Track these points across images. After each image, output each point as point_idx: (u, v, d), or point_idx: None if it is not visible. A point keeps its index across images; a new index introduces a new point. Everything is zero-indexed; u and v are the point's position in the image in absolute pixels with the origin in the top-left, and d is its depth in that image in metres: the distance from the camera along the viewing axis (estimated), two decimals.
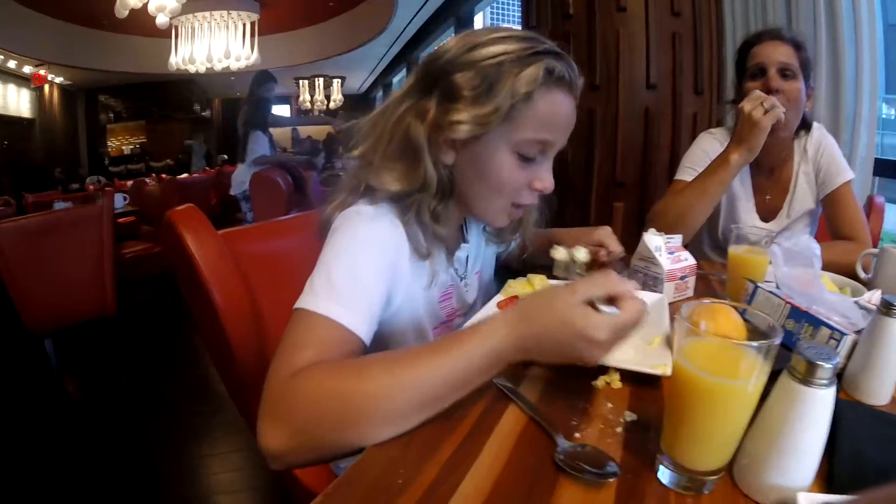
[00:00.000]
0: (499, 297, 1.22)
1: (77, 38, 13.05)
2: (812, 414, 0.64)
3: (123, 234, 5.40)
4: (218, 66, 11.26)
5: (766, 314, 0.69)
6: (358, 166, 1.12)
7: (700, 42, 3.00)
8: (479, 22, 11.63)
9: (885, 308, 0.91)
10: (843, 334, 0.98)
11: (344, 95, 18.32)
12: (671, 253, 1.39)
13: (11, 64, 14.17)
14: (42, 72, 15.11)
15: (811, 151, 1.98)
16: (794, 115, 1.85)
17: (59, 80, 16.25)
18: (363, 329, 0.92)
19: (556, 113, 1.07)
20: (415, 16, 12.02)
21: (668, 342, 1.02)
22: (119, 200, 6.06)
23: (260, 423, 0.79)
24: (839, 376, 0.98)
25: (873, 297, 1.17)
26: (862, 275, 1.52)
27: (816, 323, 1.02)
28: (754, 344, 0.63)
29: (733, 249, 1.44)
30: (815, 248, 1.21)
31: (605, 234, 1.40)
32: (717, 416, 0.67)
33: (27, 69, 14.79)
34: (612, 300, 0.81)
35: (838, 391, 0.92)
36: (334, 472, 1.33)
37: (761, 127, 1.71)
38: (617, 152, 2.93)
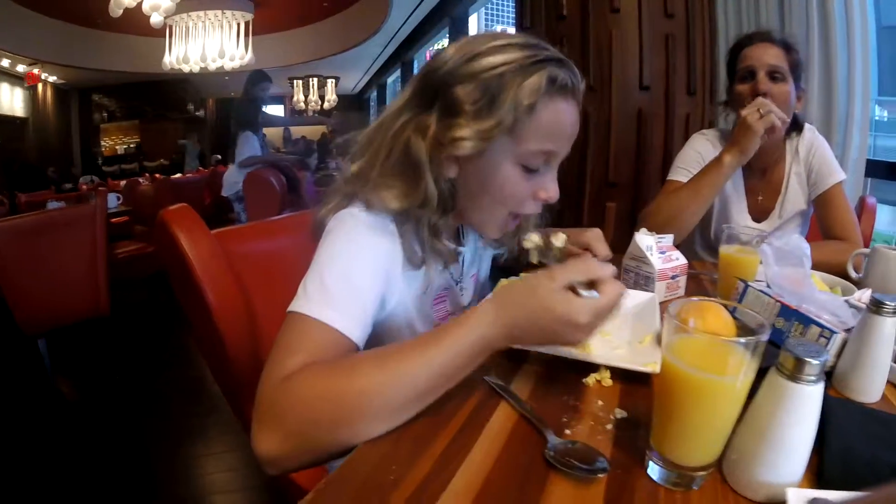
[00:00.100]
0: (490, 298, 1.22)
1: (71, 37, 13.01)
2: (800, 410, 0.64)
3: (117, 233, 5.38)
4: (212, 66, 11.26)
5: (756, 313, 0.70)
6: (354, 179, 1.09)
7: (693, 43, 3.01)
8: (473, 23, 11.63)
9: (875, 306, 0.91)
10: (833, 332, 0.98)
11: (338, 96, 18.33)
12: (662, 252, 1.40)
13: (5, 62, 14.14)
14: (36, 71, 15.06)
15: (803, 152, 1.99)
16: (785, 120, 1.86)
17: (52, 79, 16.20)
18: (356, 333, 0.92)
19: (559, 122, 1.04)
20: (409, 16, 12.03)
21: (659, 341, 1.02)
22: (112, 200, 6.03)
23: (254, 428, 0.79)
24: (829, 374, 0.99)
25: (864, 296, 1.17)
26: (853, 274, 1.53)
27: (806, 321, 1.03)
28: (742, 340, 0.64)
29: (724, 249, 1.44)
30: (805, 247, 1.22)
31: (594, 237, 1.38)
32: (706, 411, 0.67)
33: (21, 68, 14.76)
34: (591, 284, 0.83)
35: (827, 388, 0.93)
36: (328, 470, 1.33)
37: (754, 131, 1.74)
38: (610, 153, 2.94)
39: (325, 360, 0.84)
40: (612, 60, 2.91)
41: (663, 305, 0.92)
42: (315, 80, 17.29)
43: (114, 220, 5.60)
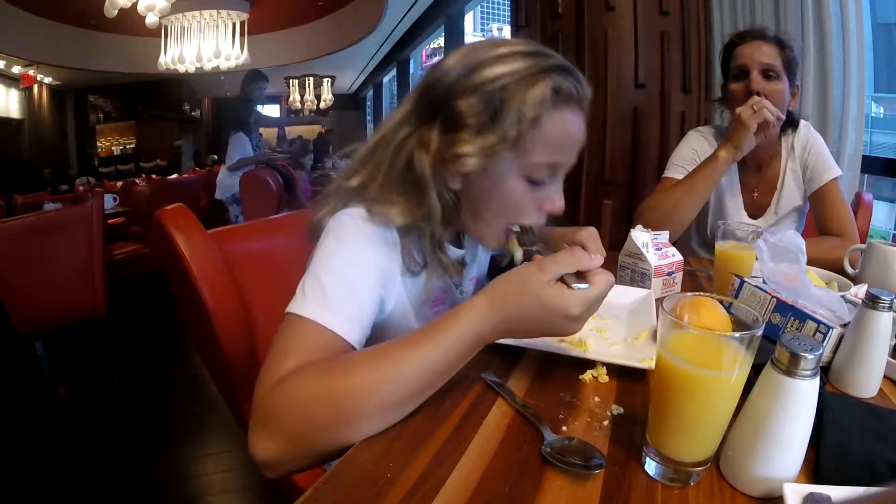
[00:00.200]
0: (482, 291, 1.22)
1: (66, 38, 12.97)
2: (796, 405, 0.64)
3: (113, 234, 5.36)
4: (207, 66, 11.23)
5: (752, 308, 0.70)
6: (353, 193, 1.07)
7: (688, 41, 3.02)
8: (468, 21, 11.63)
9: (871, 301, 0.92)
10: (829, 328, 0.99)
11: (334, 95, 18.33)
12: (658, 249, 1.40)
13: (0, 64, 14.10)
14: (31, 72, 15.03)
15: (798, 149, 1.99)
16: (780, 117, 1.86)
17: (48, 80, 16.16)
18: (354, 335, 0.91)
19: (565, 134, 1.01)
20: (405, 15, 12.02)
21: (655, 337, 1.03)
22: (109, 201, 6.03)
23: (251, 433, 0.79)
24: (826, 370, 0.99)
25: (860, 292, 1.18)
26: (849, 270, 1.54)
27: (802, 317, 1.03)
28: (736, 335, 0.64)
29: (720, 245, 1.45)
30: (801, 243, 1.22)
31: (588, 237, 1.37)
32: (701, 407, 0.67)
33: (16, 69, 14.73)
34: (579, 275, 0.83)
35: (824, 384, 0.93)
36: (325, 469, 1.32)
37: (746, 126, 1.76)
38: (606, 151, 2.95)
39: (319, 360, 0.83)
40: (607, 58, 2.92)
41: (659, 302, 0.92)
42: (311, 79, 17.28)
43: (110, 221, 5.59)
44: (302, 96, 17.43)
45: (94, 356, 4.25)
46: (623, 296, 1.26)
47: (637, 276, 1.40)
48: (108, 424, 3.22)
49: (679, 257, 1.43)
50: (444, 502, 0.65)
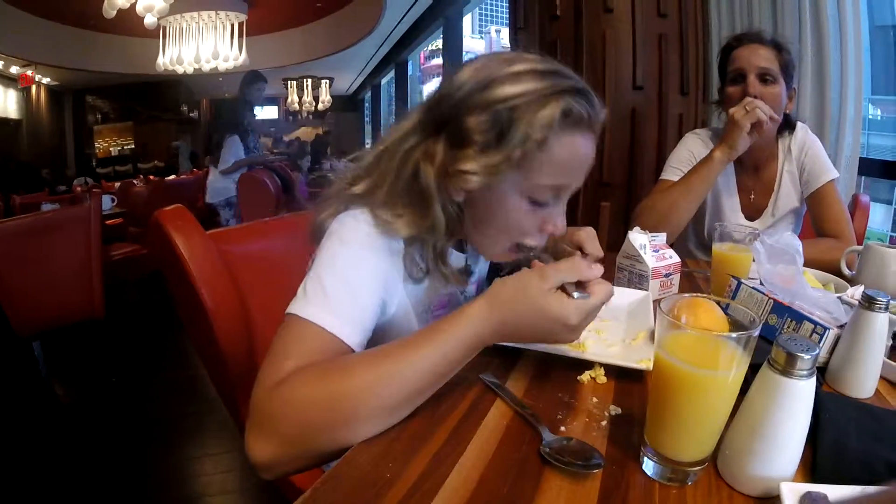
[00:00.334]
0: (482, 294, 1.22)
1: (64, 39, 12.95)
2: (793, 404, 0.65)
3: (111, 235, 5.36)
4: (206, 67, 11.22)
5: (749, 309, 0.70)
6: (358, 198, 1.06)
7: (686, 43, 3.03)
8: (467, 23, 11.63)
9: (867, 302, 0.92)
10: (825, 328, 0.99)
11: (332, 96, 18.31)
12: (656, 251, 1.41)
13: None
14: (29, 72, 15.01)
15: (795, 151, 2.00)
16: (775, 118, 1.86)
17: (46, 80, 16.14)
18: (354, 338, 0.91)
19: (572, 157, 0.99)
20: (403, 17, 12.03)
21: (653, 338, 1.03)
22: (107, 202, 6.03)
23: (248, 434, 0.79)
24: (823, 371, 1.00)
25: (856, 293, 1.18)
26: (846, 272, 1.54)
27: (799, 318, 1.03)
28: (733, 335, 0.65)
29: (717, 247, 1.45)
30: (797, 244, 1.23)
31: (586, 237, 1.36)
32: (699, 406, 0.68)
33: (14, 69, 14.70)
34: (579, 284, 0.84)
35: (821, 384, 0.94)
36: (324, 470, 1.32)
37: (740, 126, 1.77)
38: (604, 153, 2.95)
39: (318, 362, 0.83)
40: (605, 60, 2.93)
41: (657, 303, 0.92)
42: (309, 80, 17.26)
43: (108, 221, 5.58)
44: (300, 98, 17.41)
45: (92, 357, 4.24)
46: (621, 297, 1.27)
47: (635, 277, 1.41)
48: (106, 425, 3.22)
49: (676, 259, 1.44)
50: (443, 502, 0.65)
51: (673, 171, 2.04)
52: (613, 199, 3.02)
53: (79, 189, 10.19)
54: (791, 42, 2.01)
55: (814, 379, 0.64)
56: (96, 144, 18.82)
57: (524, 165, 0.96)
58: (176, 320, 1.64)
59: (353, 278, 0.96)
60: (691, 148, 2.07)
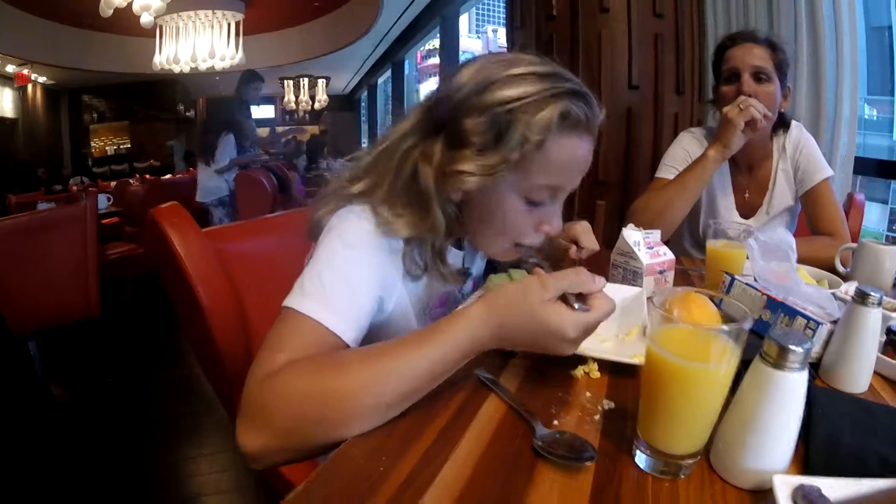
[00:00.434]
0: (480, 293, 1.22)
1: (61, 37, 12.93)
2: (784, 397, 0.65)
3: (107, 234, 5.34)
4: (202, 66, 11.20)
5: (742, 304, 0.71)
6: (356, 197, 1.06)
7: (682, 43, 3.04)
8: (464, 23, 11.63)
9: (860, 297, 0.93)
10: (818, 324, 1.00)
11: (329, 96, 18.28)
12: (650, 248, 1.41)
13: None
14: (25, 71, 14.97)
15: (790, 149, 2.00)
16: (769, 117, 1.87)
17: (42, 79, 16.09)
18: (350, 334, 0.91)
19: (569, 159, 1.00)
20: (400, 16, 12.02)
21: (646, 334, 1.03)
22: (103, 201, 6.01)
23: (239, 424, 0.79)
24: (817, 366, 1.00)
25: (850, 289, 1.19)
26: (841, 269, 1.55)
27: (792, 313, 1.04)
28: (724, 328, 0.65)
29: (711, 244, 1.46)
30: (791, 240, 1.23)
31: (581, 230, 1.37)
32: (690, 399, 0.68)
33: (10, 68, 14.67)
34: (581, 296, 0.83)
35: (815, 379, 0.94)
36: (319, 462, 1.32)
37: (734, 124, 1.78)
38: (599, 152, 2.95)
39: (312, 356, 0.83)
40: (601, 60, 2.94)
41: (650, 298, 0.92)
42: (305, 80, 17.24)
43: (104, 221, 5.58)
44: (297, 97, 17.39)
45: (89, 356, 4.24)
46: (615, 293, 1.27)
47: (629, 274, 1.41)
48: (103, 425, 3.21)
49: (671, 256, 1.44)
50: (436, 496, 0.65)
51: (668, 169, 2.05)
52: (609, 197, 3.03)
53: (75, 188, 10.16)
54: (786, 42, 2.01)
55: (806, 372, 0.65)
56: (92, 144, 18.76)
57: (522, 166, 0.96)
58: (172, 319, 1.65)
59: (351, 275, 0.96)
60: (686, 146, 2.08)
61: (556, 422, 0.82)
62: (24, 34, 12.21)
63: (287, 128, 18.55)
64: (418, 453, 0.73)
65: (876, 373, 0.98)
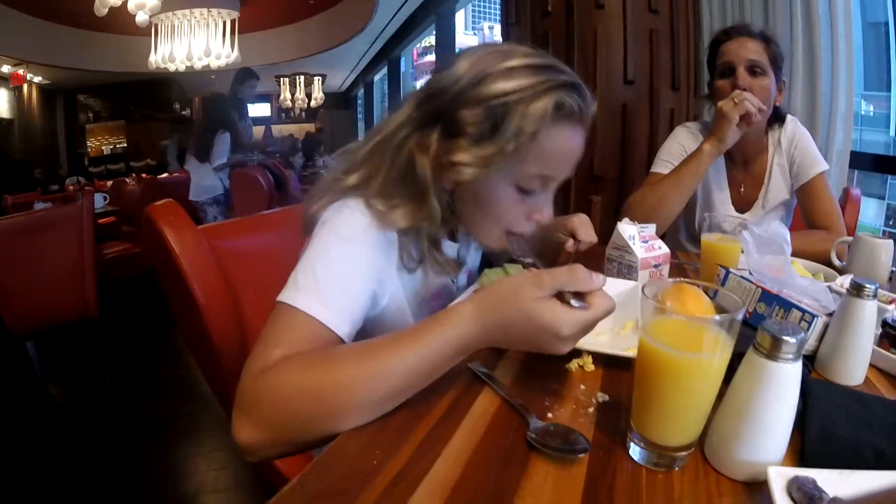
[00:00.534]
0: (475, 287, 1.22)
1: (56, 37, 12.87)
2: (778, 388, 0.65)
3: (104, 234, 5.33)
4: (198, 65, 11.17)
5: (737, 297, 0.71)
6: (352, 189, 1.06)
7: (677, 38, 3.04)
8: (459, 20, 11.62)
9: (856, 290, 0.93)
10: (814, 316, 1.00)
11: (325, 93, 18.27)
12: (645, 242, 1.41)
13: None
14: (21, 71, 14.93)
15: (785, 143, 2.00)
16: (764, 110, 1.87)
17: (37, 79, 16.04)
18: (344, 328, 0.91)
19: (561, 149, 1.03)
20: (396, 13, 12.02)
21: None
22: (99, 200, 5.99)
23: (234, 417, 0.80)
24: (812, 359, 1.00)
25: (845, 282, 1.19)
26: (836, 263, 1.55)
27: (787, 306, 1.04)
28: (716, 318, 0.65)
29: (706, 237, 1.46)
30: (785, 233, 1.23)
31: (579, 223, 1.37)
32: (683, 390, 0.68)
33: (6, 68, 14.63)
34: (580, 294, 0.80)
35: (809, 371, 0.94)
36: (314, 455, 1.32)
37: (729, 118, 1.78)
38: (595, 147, 2.95)
39: (306, 352, 0.84)
40: (596, 56, 2.93)
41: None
42: (302, 78, 17.23)
43: (101, 220, 5.56)
44: (293, 95, 17.38)
45: (87, 356, 4.24)
46: (610, 287, 1.27)
47: (624, 268, 1.41)
48: (101, 425, 3.22)
49: (666, 250, 1.44)
50: (429, 489, 0.65)
51: (663, 164, 2.05)
52: (605, 193, 3.02)
53: (71, 188, 10.13)
54: (781, 36, 2.01)
55: (800, 363, 0.65)
56: (88, 143, 18.70)
57: (516, 156, 0.98)
58: (169, 319, 1.65)
59: (345, 269, 0.97)
60: (681, 141, 2.08)
61: (550, 415, 0.82)
62: (20, 34, 12.16)
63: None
64: (412, 446, 0.74)
65: (871, 365, 0.98)
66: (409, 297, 1.15)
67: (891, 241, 1.41)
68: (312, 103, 17.79)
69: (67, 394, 3.74)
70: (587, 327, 0.79)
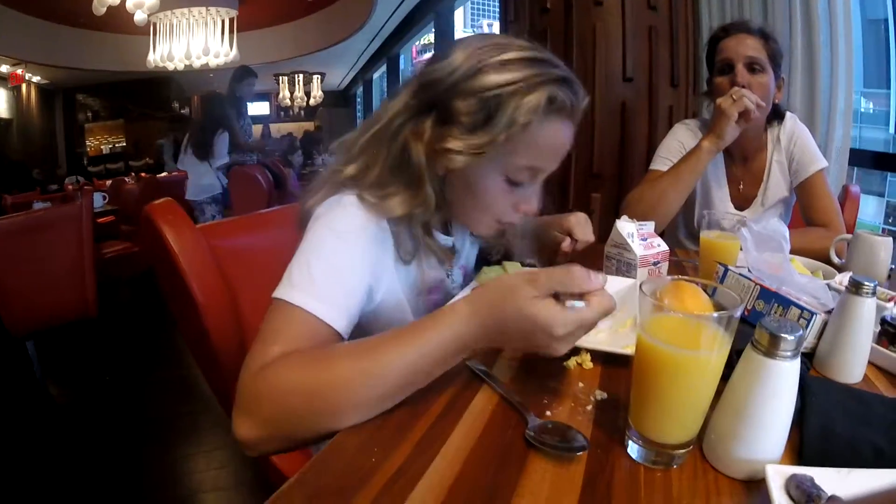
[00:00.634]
0: (473, 285, 1.22)
1: (54, 36, 12.85)
2: (776, 386, 0.65)
3: (103, 233, 5.33)
4: (197, 64, 11.14)
5: (736, 294, 0.71)
6: (349, 181, 1.07)
7: (676, 35, 3.03)
8: (458, 17, 11.61)
9: (855, 287, 0.93)
10: (812, 314, 0.99)
11: (324, 92, 18.26)
12: (644, 239, 1.41)
13: None
14: (19, 71, 14.91)
15: (784, 140, 2.00)
16: (763, 107, 1.87)
17: (36, 79, 16.02)
18: (340, 323, 0.92)
19: (551, 142, 1.04)
20: (394, 11, 11.99)
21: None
22: (98, 200, 5.99)
23: (234, 413, 0.80)
24: (811, 356, 1.00)
25: (844, 280, 1.19)
26: (836, 260, 1.55)
27: (786, 303, 1.04)
28: (714, 315, 0.65)
29: (705, 234, 1.46)
30: (784, 230, 1.23)
31: (576, 222, 1.37)
32: (681, 387, 0.68)
33: (4, 68, 14.61)
34: (581, 294, 0.79)
35: (808, 369, 0.94)
36: (314, 453, 1.33)
37: (727, 115, 1.78)
38: (594, 144, 2.96)
39: (304, 350, 0.84)
40: (595, 53, 2.93)
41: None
42: (300, 76, 17.21)
43: (100, 219, 5.56)
44: (291, 93, 17.37)
45: (86, 356, 4.24)
46: (609, 285, 1.27)
47: (623, 266, 1.41)
48: (101, 424, 3.22)
49: (664, 247, 1.44)
50: (427, 487, 0.65)
51: (662, 161, 2.05)
52: (604, 190, 3.03)
53: (70, 187, 10.13)
54: (780, 33, 2.01)
55: (798, 360, 0.65)
56: (87, 143, 18.68)
57: (506, 147, 0.99)
58: (169, 318, 1.65)
59: (339, 263, 0.97)
60: (680, 138, 2.08)
61: (548, 412, 0.82)
62: (18, 34, 12.15)
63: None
64: (411, 444, 0.74)
65: (870, 363, 0.98)
66: (406, 291, 1.16)
67: (890, 239, 1.41)
68: (311, 101, 17.78)
69: (67, 394, 3.74)
70: (585, 327, 0.79)
